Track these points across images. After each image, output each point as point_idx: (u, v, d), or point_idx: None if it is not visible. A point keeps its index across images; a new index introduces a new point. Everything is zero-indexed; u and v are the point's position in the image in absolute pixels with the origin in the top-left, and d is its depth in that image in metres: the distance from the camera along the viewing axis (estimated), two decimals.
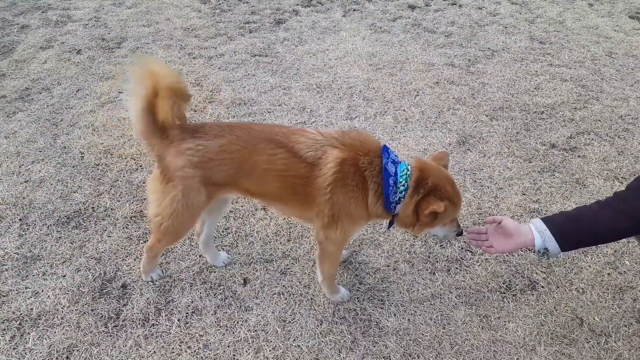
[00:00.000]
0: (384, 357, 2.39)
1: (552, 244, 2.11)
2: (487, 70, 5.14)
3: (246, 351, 2.40)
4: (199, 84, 4.75)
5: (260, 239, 3.04)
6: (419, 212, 2.16)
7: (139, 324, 2.52)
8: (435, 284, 2.78)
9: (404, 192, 2.14)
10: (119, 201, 3.30)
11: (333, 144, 2.14)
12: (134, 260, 2.87)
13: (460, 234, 2.40)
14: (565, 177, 3.61)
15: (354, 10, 6.72)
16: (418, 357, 2.40)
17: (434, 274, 2.84)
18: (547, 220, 2.15)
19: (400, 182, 2.12)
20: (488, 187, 3.48)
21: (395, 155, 2.22)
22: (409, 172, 2.15)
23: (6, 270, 2.80)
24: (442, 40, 5.84)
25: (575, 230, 2.10)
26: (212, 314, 2.57)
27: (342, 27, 6.19)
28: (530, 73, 5.10)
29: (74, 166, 3.62)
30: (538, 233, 2.14)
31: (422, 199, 2.13)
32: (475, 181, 3.54)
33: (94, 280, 2.75)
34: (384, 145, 2.20)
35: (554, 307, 2.65)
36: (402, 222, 2.27)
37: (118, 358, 2.36)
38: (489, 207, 3.30)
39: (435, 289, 2.75)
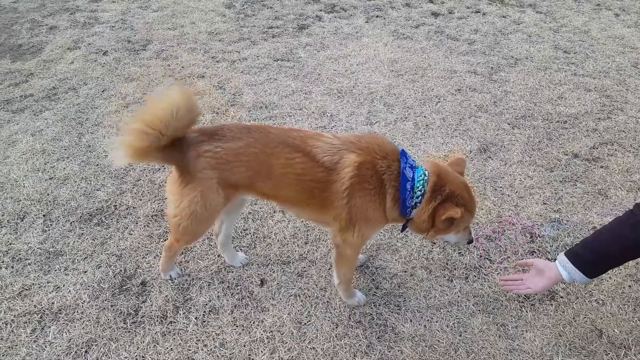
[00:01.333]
0: None
1: (578, 276, 2.21)
2: (509, 78, 5.10)
3: (261, 351, 2.41)
4: (221, 87, 4.80)
5: (277, 240, 3.06)
6: (435, 218, 2.16)
7: (157, 321, 2.55)
8: (452, 291, 2.76)
9: (420, 197, 2.14)
10: (140, 200, 3.35)
11: (350, 148, 2.14)
12: (154, 258, 2.91)
13: (471, 241, 2.43)
14: (587, 187, 3.56)
15: (377, 16, 6.74)
16: None
17: (452, 281, 2.82)
18: (570, 253, 2.26)
19: (417, 187, 2.12)
20: (509, 196, 3.45)
21: (413, 160, 2.22)
22: (426, 178, 2.15)
23: (29, 264, 2.86)
24: (465, 47, 5.82)
25: (599, 256, 2.18)
26: (229, 314, 2.60)
27: (364, 33, 6.20)
28: (553, 82, 5.05)
29: (97, 165, 3.69)
30: (563, 268, 2.26)
31: (439, 205, 2.13)
32: (495, 189, 3.51)
33: (114, 276, 2.79)
34: (402, 150, 2.21)
35: (573, 318, 2.61)
36: (416, 226, 2.27)
37: (135, 354, 2.39)
38: (509, 216, 3.27)
39: (453, 296, 2.73)
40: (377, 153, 2.15)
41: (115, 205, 3.30)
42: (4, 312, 2.57)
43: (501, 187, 3.54)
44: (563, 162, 3.82)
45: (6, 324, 2.51)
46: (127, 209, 3.27)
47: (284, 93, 4.73)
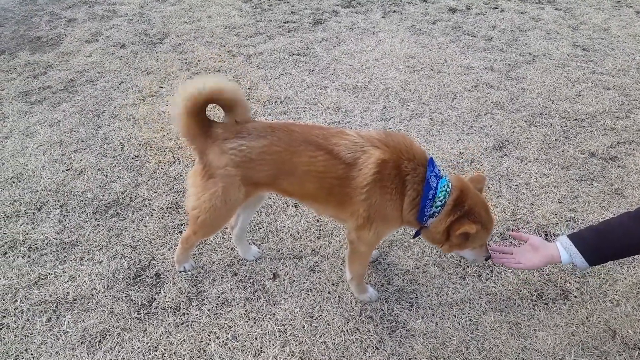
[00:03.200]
0: (410, 359, 2.38)
1: (579, 259, 2.12)
2: (527, 75, 5.05)
3: (273, 344, 2.42)
4: (237, 81, 4.81)
5: (290, 235, 3.07)
6: (450, 232, 2.17)
7: (170, 312, 2.58)
8: (465, 289, 2.75)
9: (439, 208, 2.13)
10: (156, 192, 3.38)
11: (375, 144, 2.13)
12: (169, 250, 2.94)
13: (488, 257, 2.40)
14: (604, 186, 3.51)
15: (394, 12, 6.70)
16: None
17: (465, 278, 2.81)
18: (574, 236, 2.17)
19: (439, 197, 2.11)
20: (524, 194, 3.42)
21: (439, 170, 2.21)
22: (449, 190, 2.14)
23: (45, 254, 2.90)
24: (482, 44, 5.76)
25: (604, 245, 2.10)
26: (241, 306, 2.61)
27: (380, 28, 6.17)
28: (571, 80, 4.98)
29: (114, 157, 3.73)
30: (564, 249, 2.17)
31: (456, 219, 2.13)
32: (510, 187, 3.48)
33: (128, 267, 2.82)
34: (431, 157, 2.19)
35: (586, 318, 2.58)
36: (431, 236, 2.27)
37: (148, 344, 2.42)
38: (524, 214, 3.24)
39: (465, 293, 2.72)
40: (404, 153, 2.13)
41: (131, 197, 3.33)
42: (20, 301, 2.61)
43: (516, 185, 3.51)
44: (580, 160, 3.78)
45: (22, 313, 2.55)
46: (142, 201, 3.30)
47: (299, 88, 4.73)
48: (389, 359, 2.38)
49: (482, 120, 4.27)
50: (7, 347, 2.39)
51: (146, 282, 2.75)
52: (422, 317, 2.58)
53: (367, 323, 2.54)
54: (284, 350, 2.40)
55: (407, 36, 5.93)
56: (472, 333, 2.51)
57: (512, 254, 2.39)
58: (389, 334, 2.50)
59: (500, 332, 2.51)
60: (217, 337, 2.46)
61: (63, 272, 2.79)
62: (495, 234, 3.10)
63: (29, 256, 2.89)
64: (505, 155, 3.82)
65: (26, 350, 2.38)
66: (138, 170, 3.59)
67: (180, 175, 3.52)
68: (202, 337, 2.45)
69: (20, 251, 2.91)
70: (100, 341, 2.43)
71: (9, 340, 2.42)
